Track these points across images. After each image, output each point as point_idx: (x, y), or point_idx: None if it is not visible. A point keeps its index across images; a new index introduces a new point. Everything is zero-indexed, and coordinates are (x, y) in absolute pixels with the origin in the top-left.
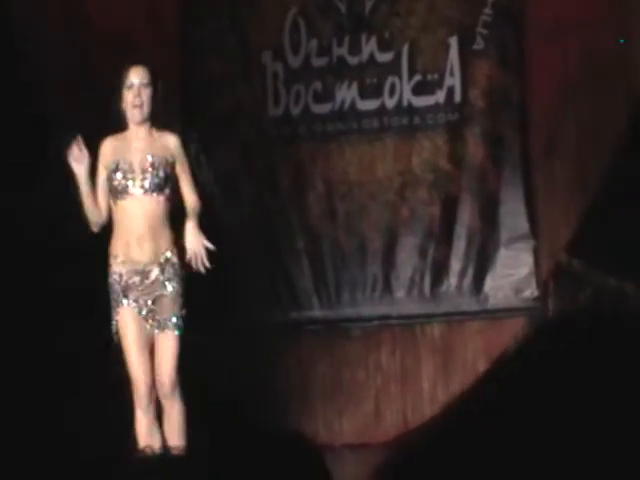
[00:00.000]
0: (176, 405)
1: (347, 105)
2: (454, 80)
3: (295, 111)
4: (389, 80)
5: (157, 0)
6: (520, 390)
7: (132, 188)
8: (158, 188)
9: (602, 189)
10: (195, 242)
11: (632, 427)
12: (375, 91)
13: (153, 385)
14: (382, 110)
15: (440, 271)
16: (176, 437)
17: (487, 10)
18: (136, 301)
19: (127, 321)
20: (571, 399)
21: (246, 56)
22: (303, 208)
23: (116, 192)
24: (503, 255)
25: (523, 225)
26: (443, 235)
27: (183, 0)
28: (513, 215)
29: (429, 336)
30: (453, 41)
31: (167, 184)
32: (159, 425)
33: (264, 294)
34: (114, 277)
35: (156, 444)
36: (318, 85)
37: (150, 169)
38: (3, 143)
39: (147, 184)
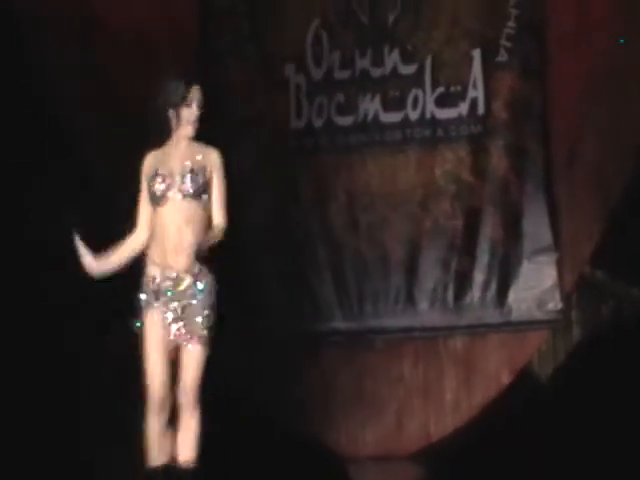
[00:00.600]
0: (195, 416)
1: (370, 117)
2: (477, 92)
3: (317, 123)
4: (412, 92)
5: (178, 8)
6: (546, 403)
7: (170, 192)
8: (196, 193)
9: (624, 200)
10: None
11: None
12: (398, 103)
13: (167, 392)
14: (405, 122)
15: (463, 283)
16: (190, 449)
17: (510, 23)
18: (165, 306)
19: (152, 324)
20: (596, 411)
21: (267, 67)
22: (325, 219)
23: (155, 198)
24: (526, 267)
25: (546, 237)
26: (466, 247)
27: (204, 8)
28: (536, 227)
29: (452, 348)
30: (476, 54)
31: (204, 190)
32: (171, 435)
33: (287, 306)
34: (148, 279)
35: (165, 451)
36: (341, 97)
37: (189, 174)
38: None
39: (185, 188)
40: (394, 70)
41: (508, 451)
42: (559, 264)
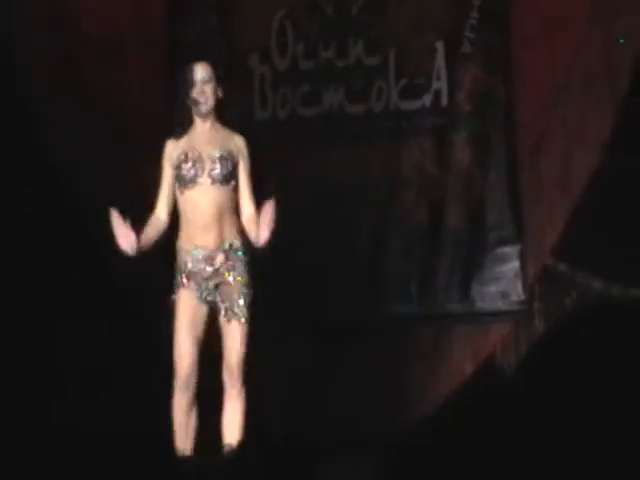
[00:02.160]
0: (241, 398)
1: (334, 109)
2: (441, 84)
3: (282, 114)
4: (376, 84)
5: (145, 2)
6: (508, 395)
7: (200, 178)
8: (225, 179)
9: (588, 193)
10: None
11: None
12: (362, 95)
13: (194, 370)
14: (369, 114)
15: (427, 275)
16: (236, 432)
17: (474, 14)
18: (198, 285)
19: (184, 303)
20: (559, 403)
21: (232, 59)
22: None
23: (184, 181)
24: (489, 259)
25: (509, 229)
26: (430, 238)
27: (171, 2)
28: (499, 219)
29: (415, 339)
30: (440, 45)
31: (233, 176)
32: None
33: None
34: (179, 264)
35: (191, 426)
36: (305, 88)
37: (219, 160)
38: None
39: (215, 174)
40: (358, 61)
41: (471, 442)
42: (522, 255)
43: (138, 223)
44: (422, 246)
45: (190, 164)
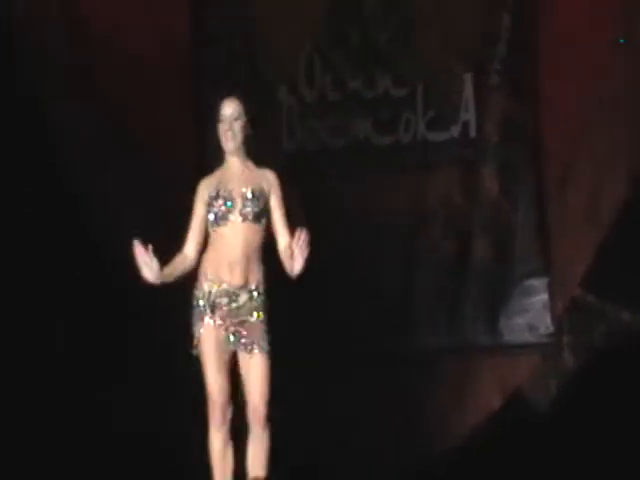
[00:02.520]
0: (266, 433)
1: (362, 140)
2: (469, 115)
3: (310, 146)
4: (404, 115)
5: (172, 31)
6: (537, 428)
7: (232, 215)
8: (256, 217)
9: (616, 224)
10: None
11: None
12: (390, 126)
13: (228, 399)
14: (397, 145)
15: (454, 306)
16: (261, 467)
17: (501, 46)
18: (222, 320)
19: (210, 338)
20: (588, 436)
21: (260, 89)
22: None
23: (216, 218)
24: (517, 291)
25: (537, 260)
26: (457, 270)
27: (198, 31)
28: (527, 250)
29: (443, 371)
30: (467, 77)
31: (264, 214)
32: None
33: None
34: (202, 293)
35: (228, 465)
36: (333, 119)
37: (250, 198)
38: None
39: (247, 213)
40: (386, 93)
41: (497, 475)
42: (550, 287)
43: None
44: (449, 278)
45: (222, 201)
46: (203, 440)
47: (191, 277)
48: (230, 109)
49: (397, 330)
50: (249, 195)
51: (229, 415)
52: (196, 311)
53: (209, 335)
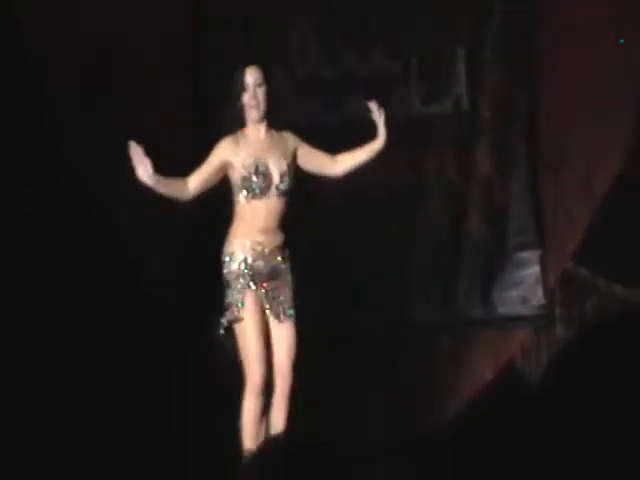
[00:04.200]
0: (288, 390)
1: (356, 116)
2: (462, 91)
3: (304, 123)
4: (397, 91)
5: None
6: (529, 399)
7: (269, 191)
8: (290, 191)
9: (608, 197)
10: None
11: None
12: (383, 102)
13: (266, 373)
14: (390, 121)
15: (448, 280)
16: (282, 421)
17: (495, 21)
18: (258, 286)
19: (251, 304)
20: (581, 407)
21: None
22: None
23: (253, 192)
24: (510, 264)
25: (530, 234)
26: (451, 244)
27: (197, 9)
28: (520, 225)
29: (436, 344)
30: (461, 52)
31: (294, 187)
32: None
33: None
34: (237, 262)
35: (261, 431)
36: (326, 96)
37: (287, 174)
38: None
39: (282, 188)
40: (379, 68)
41: (491, 448)
42: (543, 261)
43: None
44: (443, 252)
45: (261, 178)
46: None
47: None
48: (252, 77)
49: (391, 304)
50: (285, 169)
51: (265, 385)
52: (234, 281)
53: (250, 301)
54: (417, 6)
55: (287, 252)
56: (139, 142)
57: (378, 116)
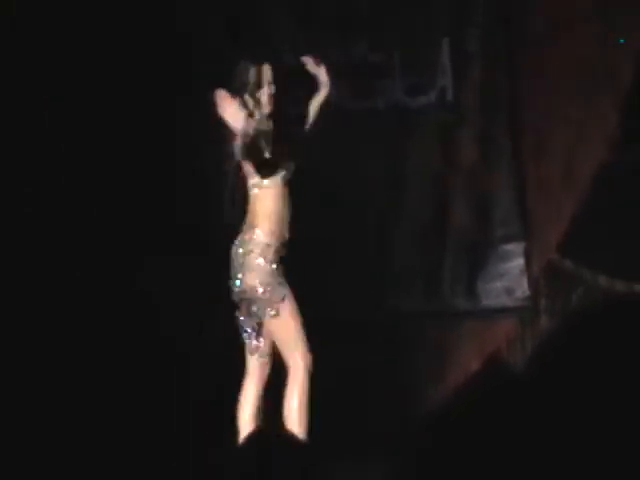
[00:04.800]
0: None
1: (339, 105)
2: (446, 81)
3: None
4: (381, 81)
5: None
6: (515, 391)
7: (278, 179)
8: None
9: (592, 190)
10: None
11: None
12: (367, 92)
13: (268, 359)
14: (374, 111)
15: (432, 271)
16: (297, 420)
17: (479, 11)
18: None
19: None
20: (565, 399)
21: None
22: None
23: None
24: (495, 255)
25: (515, 225)
26: (435, 235)
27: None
28: (504, 215)
29: (421, 335)
30: (445, 42)
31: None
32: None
33: None
34: (263, 250)
35: (256, 419)
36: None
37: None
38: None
39: (287, 177)
40: (363, 58)
41: (476, 439)
42: (527, 252)
43: None
44: (427, 243)
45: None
46: None
47: None
48: (268, 74)
49: (375, 295)
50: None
51: (268, 370)
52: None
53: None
54: None
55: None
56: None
57: (316, 67)
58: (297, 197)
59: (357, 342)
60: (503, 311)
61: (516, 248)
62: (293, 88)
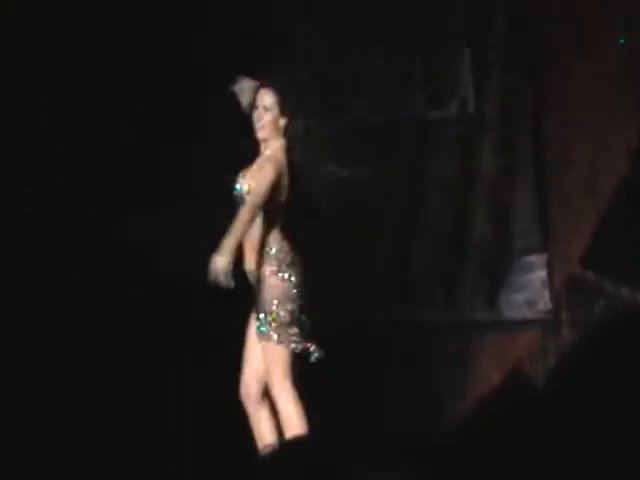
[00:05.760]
0: (282, 401)
1: (359, 117)
2: (467, 92)
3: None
4: (401, 92)
5: None
6: (536, 403)
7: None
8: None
9: (615, 201)
10: None
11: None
12: (388, 103)
13: (258, 386)
14: (394, 122)
15: (453, 283)
16: (293, 429)
17: (499, 20)
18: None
19: (250, 320)
20: (588, 411)
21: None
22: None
23: (237, 205)
24: (516, 267)
25: (536, 237)
26: (456, 247)
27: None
28: (526, 227)
29: (442, 348)
30: (465, 52)
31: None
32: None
33: None
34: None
35: (269, 434)
36: (330, 97)
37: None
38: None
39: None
40: (383, 69)
41: (497, 452)
42: (549, 264)
43: None
44: (448, 255)
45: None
46: None
47: None
48: (264, 99)
49: (396, 306)
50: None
51: (260, 395)
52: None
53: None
54: (420, 5)
55: (271, 266)
56: None
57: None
58: (317, 210)
59: (378, 354)
60: (525, 323)
61: (538, 260)
62: None
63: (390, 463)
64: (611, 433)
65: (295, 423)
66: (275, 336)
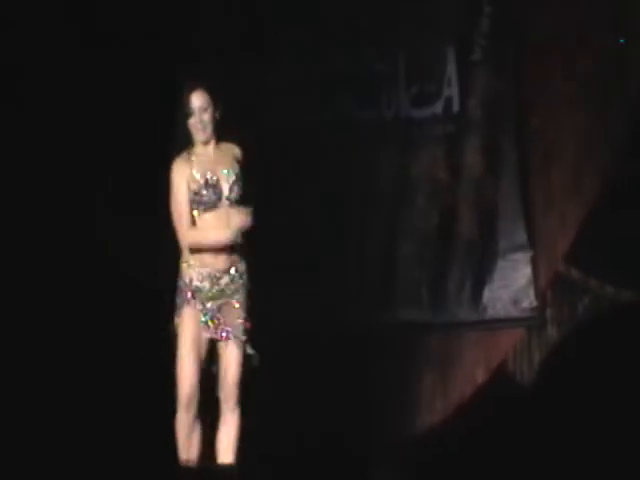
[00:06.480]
0: (235, 416)
1: (344, 116)
2: (452, 91)
3: (292, 122)
4: (386, 91)
5: None
6: (521, 402)
7: (220, 202)
8: (241, 199)
9: (599, 199)
10: None
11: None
12: (372, 102)
13: (195, 391)
14: (379, 121)
15: (438, 281)
16: (230, 450)
17: (485, 20)
18: (202, 305)
19: (188, 322)
20: (572, 409)
21: (249, 70)
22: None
23: (204, 205)
24: (501, 265)
25: (521, 235)
26: (441, 245)
27: None
28: (511, 225)
29: (427, 346)
30: (450, 51)
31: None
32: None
33: None
34: (184, 281)
35: (194, 447)
36: (315, 95)
37: (235, 182)
38: None
39: (233, 197)
40: (368, 68)
41: (482, 449)
42: (534, 262)
43: None
44: (433, 253)
45: (211, 190)
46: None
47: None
48: (198, 101)
49: (381, 305)
50: (234, 179)
51: (195, 400)
52: (179, 297)
53: (187, 321)
54: (406, 5)
55: (243, 271)
56: None
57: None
58: (302, 208)
59: (362, 353)
60: (510, 321)
61: (522, 258)
62: None
63: (372, 463)
64: (596, 429)
65: (233, 446)
66: (242, 339)
